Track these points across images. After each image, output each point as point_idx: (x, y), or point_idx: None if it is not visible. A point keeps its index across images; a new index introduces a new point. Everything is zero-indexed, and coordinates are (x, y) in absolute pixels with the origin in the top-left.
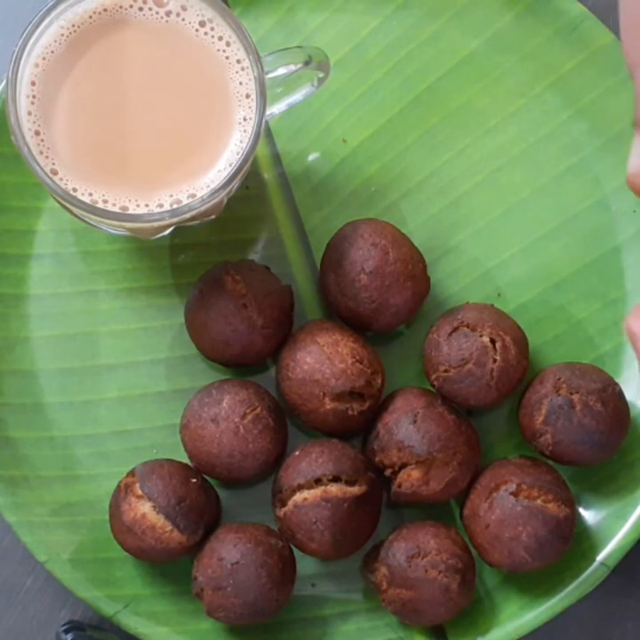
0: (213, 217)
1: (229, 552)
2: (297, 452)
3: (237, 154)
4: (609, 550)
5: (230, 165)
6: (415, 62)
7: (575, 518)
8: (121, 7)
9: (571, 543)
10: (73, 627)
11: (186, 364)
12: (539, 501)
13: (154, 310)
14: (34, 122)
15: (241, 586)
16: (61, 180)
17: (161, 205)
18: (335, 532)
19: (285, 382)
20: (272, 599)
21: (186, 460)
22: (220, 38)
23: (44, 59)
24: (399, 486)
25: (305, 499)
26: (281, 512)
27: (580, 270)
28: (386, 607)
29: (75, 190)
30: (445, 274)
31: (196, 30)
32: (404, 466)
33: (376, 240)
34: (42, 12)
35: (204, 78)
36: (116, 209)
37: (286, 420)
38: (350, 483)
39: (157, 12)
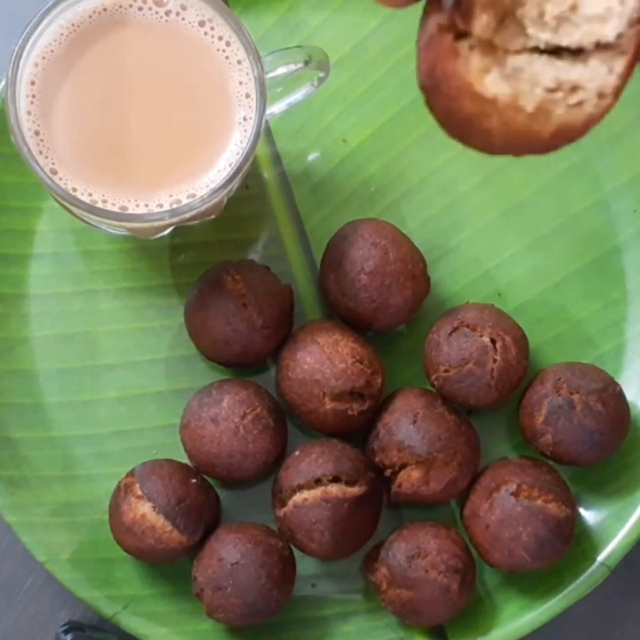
0: (213, 217)
1: (229, 552)
2: (297, 453)
3: (237, 154)
4: (609, 550)
5: (230, 165)
6: (415, 62)
7: (575, 518)
8: (120, 6)
9: (571, 543)
10: (72, 627)
11: (186, 364)
12: (539, 501)
13: (153, 310)
14: (33, 121)
15: (241, 586)
16: (61, 179)
17: (161, 205)
18: (335, 533)
19: (285, 382)
20: (272, 599)
21: (186, 460)
22: (220, 38)
23: (43, 58)
24: (399, 486)
25: (305, 499)
26: (281, 512)
27: (580, 270)
28: (386, 607)
29: (74, 190)
30: (445, 274)
31: (196, 30)
32: (404, 466)
33: (376, 240)
34: (42, 12)
35: (203, 78)
36: (116, 209)
37: (286, 420)
38: (350, 483)
39: (157, 12)
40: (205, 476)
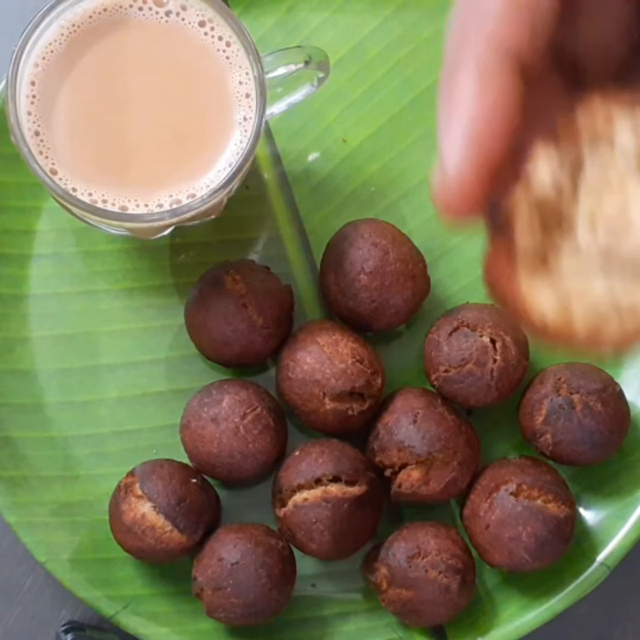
0: (213, 217)
1: (229, 552)
2: (297, 453)
3: (237, 154)
4: (609, 550)
5: (230, 165)
6: (415, 62)
7: (575, 518)
8: (121, 7)
9: (571, 543)
10: (73, 627)
11: (186, 364)
12: (539, 501)
13: (154, 310)
14: (34, 122)
15: (241, 586)
16: (61, 179)
17: (161, 205)
18: (335, 533)
19: (285, 382)
20: (272, 599)
21: (186, 460)
22: (220, 38)
23: (43, 58)
24: (399, 486)
25: (305, 499)
26: (281, 512)
27: None
28: (386, 607)
29: (74, 190)
30: (445, 274)
31: (196, 30)
32: (404, 466)
33: (376, 240)
34: (42, 12)
35: (203, 78)
36: (116, 209)
37: (286, 420)
38: (350, 483)
39: (157, 12)
40: (205, 476)
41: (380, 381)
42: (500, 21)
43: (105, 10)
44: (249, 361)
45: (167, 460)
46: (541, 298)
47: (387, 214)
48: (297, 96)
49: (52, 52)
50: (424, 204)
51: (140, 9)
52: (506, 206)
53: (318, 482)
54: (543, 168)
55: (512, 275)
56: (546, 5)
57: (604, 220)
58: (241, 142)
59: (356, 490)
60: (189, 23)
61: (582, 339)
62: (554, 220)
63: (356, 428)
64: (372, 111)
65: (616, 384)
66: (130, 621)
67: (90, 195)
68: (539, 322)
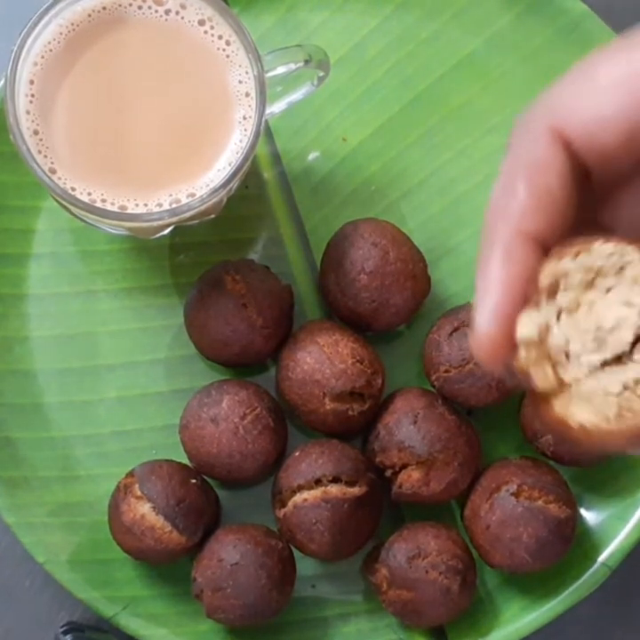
0: (213, 216)
1: (229, 553)
2: (297, 453)
3: (237, 153)
4: (610, 551)
5: (230, 165)
6: (415, 62)
7: (576, 519)
8: (120, 5)
9: (572, 544)
10: (72, 628)
11: (185, 364)
12: (540, 502)
13: (153, 310)
14: (32, 121)
15: (240, 587)
16: (60, 179)
17: (160, 205)
18: (335, 533)
19: (285, 382)
20: (272, 600)
21: (185, 461)
22: (220, 37)
23: (42, 57)
24: (400, 487)
25: (305, 499)
26: (281, 513)
27: None
28: (386, 608)
29: (73, 189)
30: (445, 274)
31: (196, 29)
32: (404, 466)
33: (376, 240)
34: (41, 11)
35: (203, 77)
36: (115, 208)
37: (286, 421)
38: (350, 483)
39: (157, 11)
40: (205, 477)
41: (380, 381)
42: (524, 217)
43: (104, 8)
44: (249, 361)
45: (167, 460)
46: (575, 413)
47: (387, 214)
48: (297, 95)
49: (50, 50)
50: (424, 203)
51: (140, 7)
52: (517, 360)
53: (318, 482)
54: (526, 324)
55: (546, 405)
56: (565, 203)
57: (588, 336)
58: (241, 141)
59: (356, 490)
60: (189, 22)
61: (626, 435)
62: (556, 348)
63: (356, 429)
64: (372, 111)
65: None
66: (129, 622)
67: (89, 194)
68: (582, 434)
